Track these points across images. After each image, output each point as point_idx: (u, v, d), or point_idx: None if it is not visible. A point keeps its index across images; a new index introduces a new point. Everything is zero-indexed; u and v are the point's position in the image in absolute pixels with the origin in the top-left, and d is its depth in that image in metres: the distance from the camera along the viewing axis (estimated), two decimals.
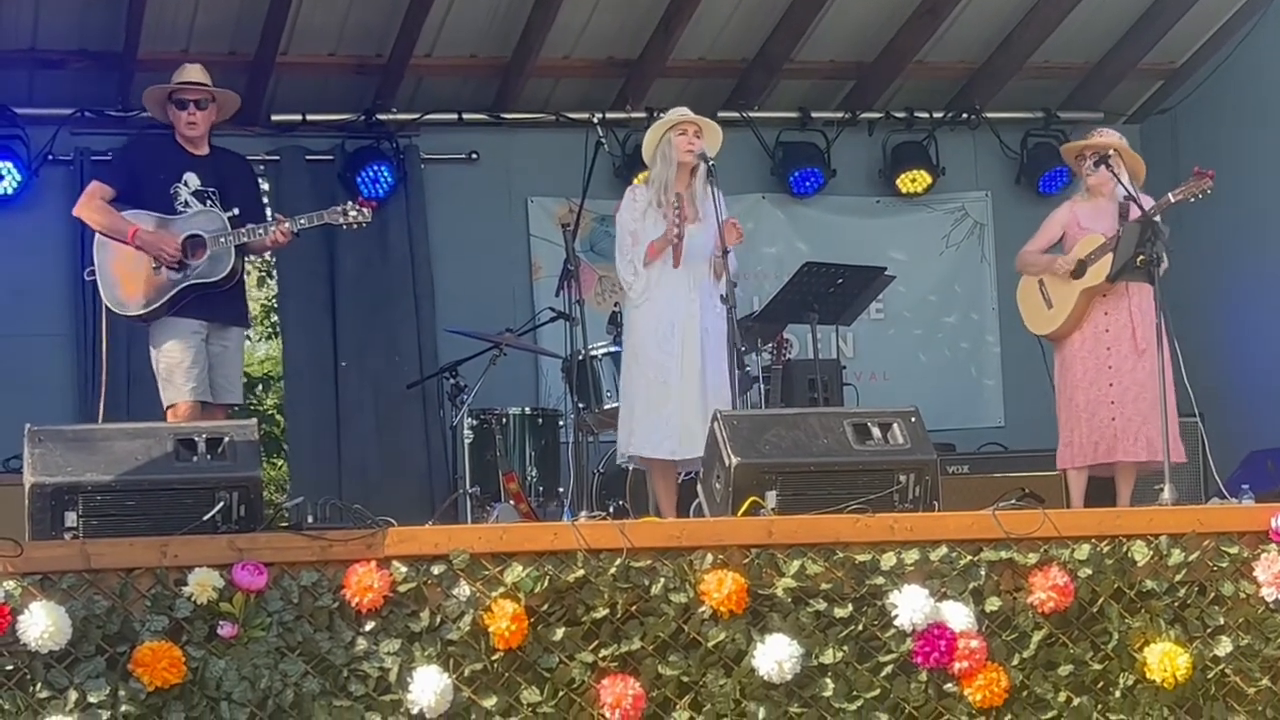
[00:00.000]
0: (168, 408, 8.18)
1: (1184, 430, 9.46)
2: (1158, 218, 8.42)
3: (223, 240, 8.13)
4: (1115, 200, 8.75)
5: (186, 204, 8.24)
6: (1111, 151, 8.67)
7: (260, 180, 11.70)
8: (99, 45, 10.63)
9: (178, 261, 8.10)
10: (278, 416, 17.71)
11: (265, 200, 8.86)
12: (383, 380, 11.31)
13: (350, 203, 8.37)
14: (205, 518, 5.97)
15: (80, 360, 10.81)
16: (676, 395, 8.24)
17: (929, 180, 12.22)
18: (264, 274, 18.79)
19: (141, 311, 8.18)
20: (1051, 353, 8.89)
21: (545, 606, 6.00)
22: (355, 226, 8.36)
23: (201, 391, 8.16)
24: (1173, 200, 8.52)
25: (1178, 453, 8.41)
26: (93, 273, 8.27)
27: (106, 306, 8.27)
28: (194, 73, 8.45)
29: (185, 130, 8.34)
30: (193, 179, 8.28)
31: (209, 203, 8.25)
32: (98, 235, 8.28)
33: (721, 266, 8.25)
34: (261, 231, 8.17)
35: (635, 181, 10.91)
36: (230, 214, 8.24)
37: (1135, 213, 8.49)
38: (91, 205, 8.27)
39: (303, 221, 8.29)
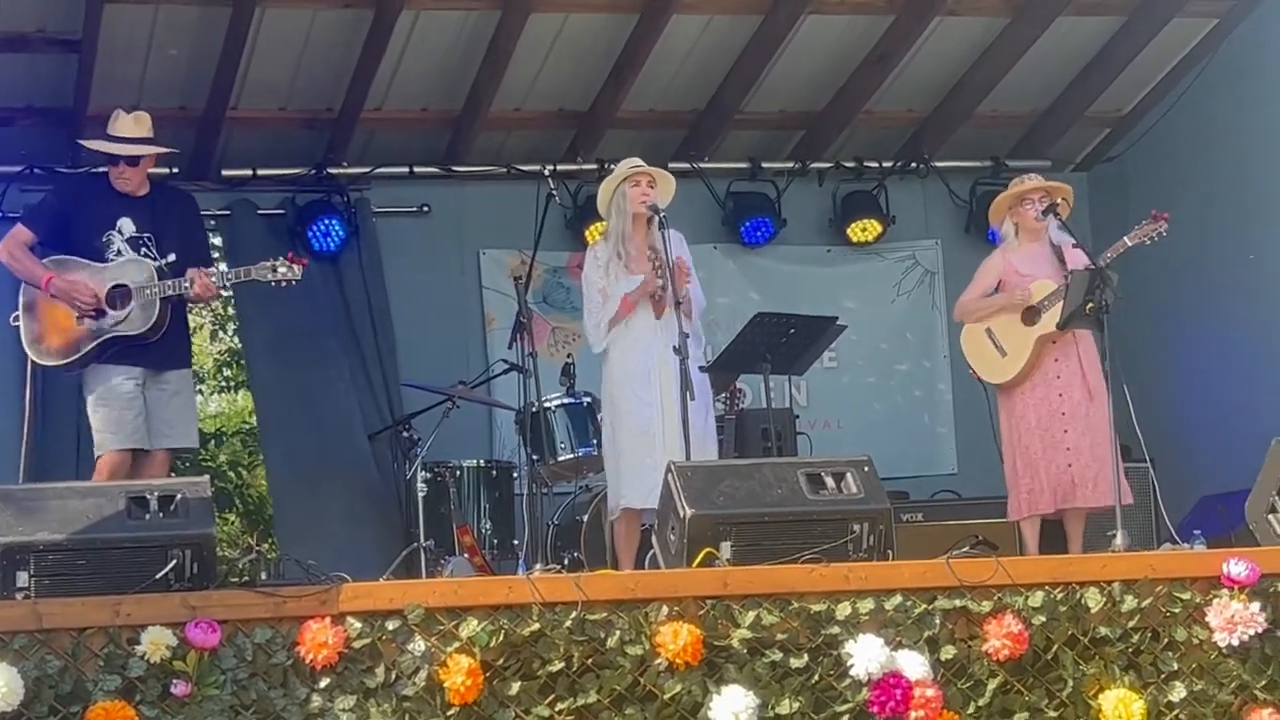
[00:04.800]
0: (96, 457, 8.04)
1: (1135, 475, 9.53)
2: (1108, 262, 8.48)
3: (149, 292, 7.97)
4: (1047, 244, 8.83)
5: (119, 252, 8.08)
6: (1060, 200, 8.75)
7: (212, 233, 11.82)
8: (48, 101, 10.61)
9: (94, 310, 7.95)
10: (229, 472, 17.67)
11: (209, 239, 8.56)
12: (348, 433, 11.26)
13: (280, 259, 8.14)
14: (158, 576, 5.94)
15: (29, 418, 10.72)
16: (660, 443, 8.24)
17: (879, 229, 12.27)
18: (217, 327, 18.77)
19: (64, 362, 8.05)
20: (995, 399, 8.92)
21: (501, 661, 5.99)
22: (285, 284, 8.12)
23: (137, 439, 8.01)
24: (1129, 244, 8.60)
25: (1127, 495, 8.51)
26: (17, 318, 8.12)
27: (30, 357, 8.13)
28: (125, 125, 8.25)
29: (118, 185, 8.19)
30: (128, 225, 8.11)
31: (143, 250, 8.09)
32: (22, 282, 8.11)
33: (688, 308, 8.29)
34: (187, 285, 8.00)
35: (587, 235, 11.07)
36: (166, 260, 8.08)
37: (1078, 258, 8.58)
38: (8, 249, 8.12)
39: (230, 277, 8.17)
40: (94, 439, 8.09)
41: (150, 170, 8.40)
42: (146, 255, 8.10)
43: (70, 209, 8.27)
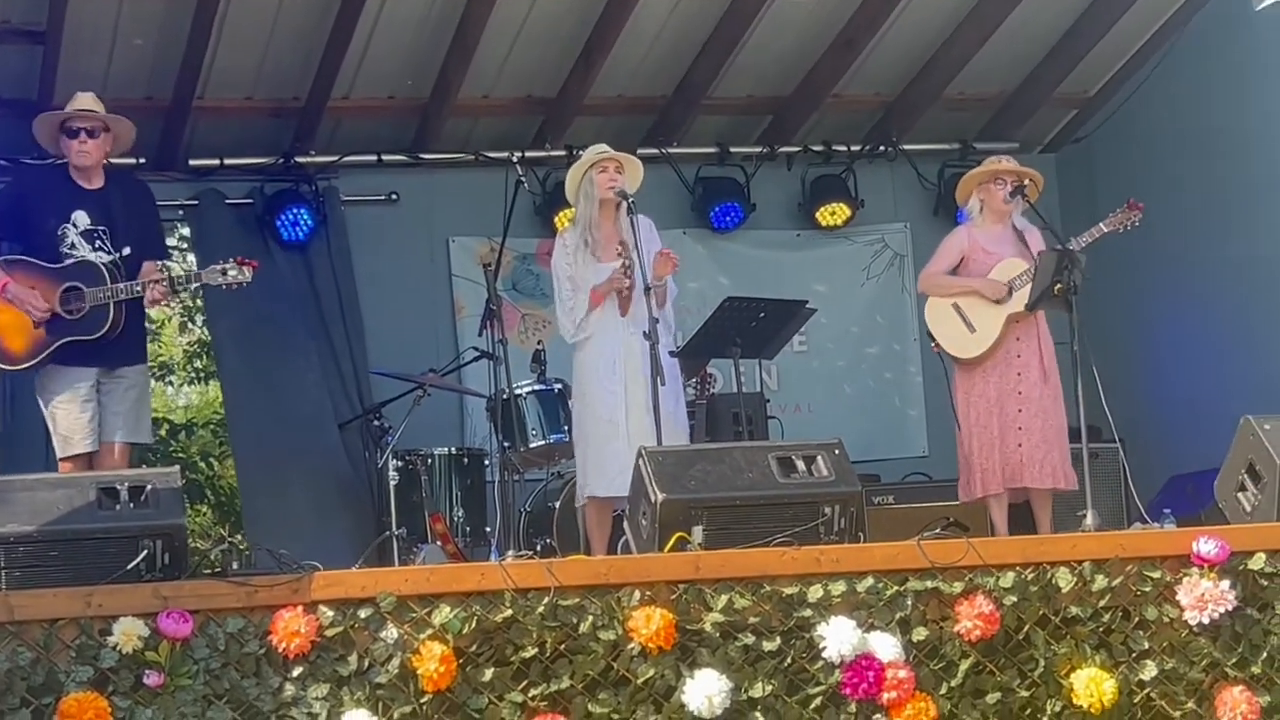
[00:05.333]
0: (60, 460, 8.05)
1: (1105, 455, 9.58)
2: (1082, 247, 8.51)
3: (102, 295, 7.96)
4: (1010, 227, 8.87)
5: (73, 246, 8.05)
6: (1027, 182, 8.78)
7: (180, 224, 11.81)
8: (13, 93, 10.56)
9: (48, 317, 7.95)
10: (200, 463, 17.63)
11: (164, 230, 8.48)
12: (318, 422, 11.24)
13: (230, 262, 8.08)
14: (129, 567, 5.93)
15: None
16: (625, 432, 8.25)
17: (848, 213, 12.29)
18: (186, 319, 18.71)
19: (18, 367, 8.06)
20: (953, 374, 8.93)
21: (474, 647, 5.99)
22: (235, 287, 8.08)
23: (90, 444, 8.02)
24: (1105, 230, 8.65)
25: (1072, 479, 8.61)
26: None
27: None
28: (86, 100, 8.25)
29: (77, 160, 8.15)
30: (82, 218, 8.08)
31: (97, 244, 8.06)
32: None
33: (662, 295, 8.30)
34: (139, 289, 7.99)
35: (556, 221, 11.07)
36: (121, 254, 8.08)
37: (1039, 242, 8.63)
38: None
39: (181, 282, 8.17)
40: (55, 442, 8.10)
41: (111, 160, 8.38)
42: (101, 249, 8.08)
43: (26, 202, 8.25)
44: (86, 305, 7.96)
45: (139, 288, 8.00)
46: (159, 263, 8.30)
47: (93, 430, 8.04)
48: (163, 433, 16.34)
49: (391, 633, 5.95)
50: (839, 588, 6.28)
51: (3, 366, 8.12)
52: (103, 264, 8.04)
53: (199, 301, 15.57)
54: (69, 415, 8.03)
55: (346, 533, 10.51)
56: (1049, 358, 8.71)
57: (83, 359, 8.03)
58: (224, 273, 8.05)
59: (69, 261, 8.05)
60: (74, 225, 8.09)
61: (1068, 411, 8.66)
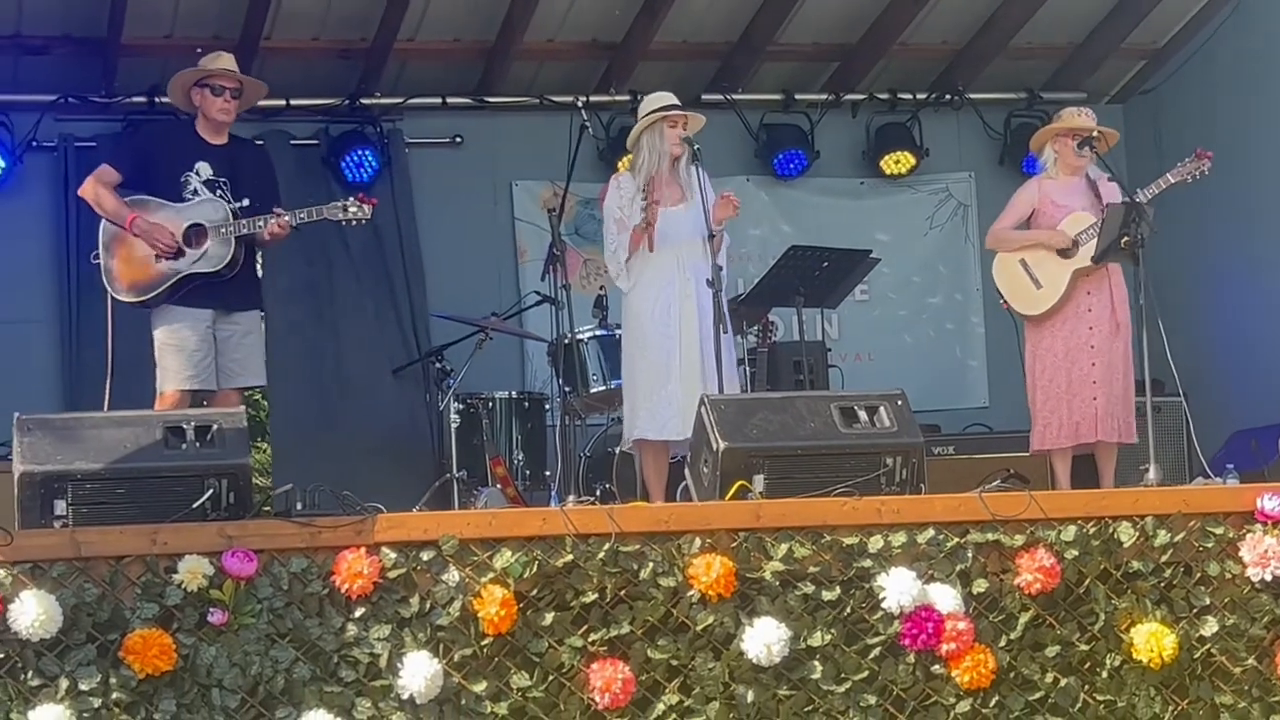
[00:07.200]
0: (159, 394, 8.16)
1: (1168, 409, 9.54)
2: (1150, 197, 8.46)
3: (224, 230, 8.10)
4: (1084, 178, 8.82)
5: (195, 192, 8.20)
6: (1097, 134, 8.72)
7: None
8: (83, 31, 10.60)
9: (174, 251, 8.09)
10: (262, 401, 17.71)
11: (280, 192, 8.71)
12: (371, 365, 11.29)
13: (351, 199, 8.26)
14: (195, 505, 5.99)
15: (65, 348, 10.80)
16: (678, 376, 8.26)
17: (913, 162, 12.23)
18: None
19: (140, 299, 8.17)
20: (1023, 330, 8.90)
21: (534, 591, 6.03)
22: (355, 223, 8.29)
23: (202, 380, 8.13)
24: (1172, 180, 8.59)
25: (1133, 433, 8.61)
26: (97, 256, 8.26)
27: (110, 293, 8.28)
28: (228, 60, 8.43)
29: (218, 115, 8.31)
30: (205, 168, 8.24)
31: (218, 192, 8.22)
32: (104, 219, 8.26)
33: (718, 243, 8.29)
34: (261, 223, 8.11)
35: (620, 166, 11.04)
36: (240, 204, 8.21)
37: (1113, 192, 8.58)
38: (95, 188, 8.25)
39: (302, 216, 8.24)
40: (158, 374, 8.19)
41: None
42: (222, 197, 8.23)
43: (153, 151, 8.44)
44: (209, 241, 8.11)
45: (261, 223, 8.12)
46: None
47: (201, 370, 8.14)
48: None
49: (453, 575, 5.99)
50: (899, 539, 6.29)
51: (125, 299, 8.25)
52: (226, 205, 8.17)
53: None
54: (179, 354, 8.13)
55: (392, 479, 10.48)
56: (1122, 310, 8.65)
57: (200, 300, 8.18)
58: (344, 209, 8.21)
59: (195, 200, 8.19)
60: (197, 174, 8.24)
61: (1134, 364, 8.63)
